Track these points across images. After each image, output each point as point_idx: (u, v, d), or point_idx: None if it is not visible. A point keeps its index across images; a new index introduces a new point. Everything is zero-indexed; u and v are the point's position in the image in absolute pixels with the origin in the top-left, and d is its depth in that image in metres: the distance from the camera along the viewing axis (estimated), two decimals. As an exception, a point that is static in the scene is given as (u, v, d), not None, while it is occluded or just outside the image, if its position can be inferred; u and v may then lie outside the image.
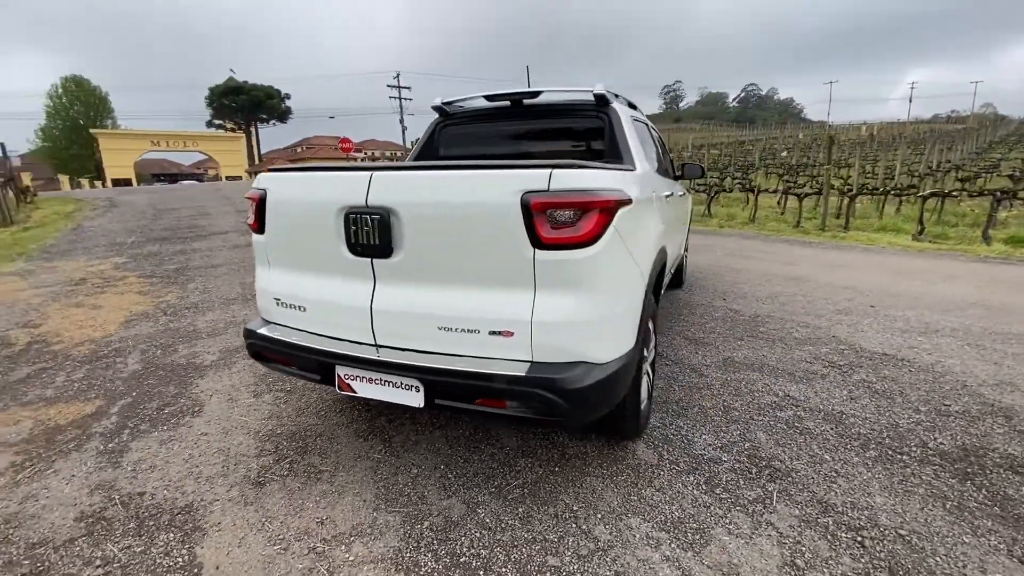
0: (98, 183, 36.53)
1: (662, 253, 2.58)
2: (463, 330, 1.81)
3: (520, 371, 1.72)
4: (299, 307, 2.13)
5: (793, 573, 1.73)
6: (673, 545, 1.87)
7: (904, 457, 2.35)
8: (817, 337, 3.89)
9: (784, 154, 31.72)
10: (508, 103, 3.08)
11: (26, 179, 30.26)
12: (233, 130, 53.21)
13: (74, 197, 21.17)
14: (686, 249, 5.62)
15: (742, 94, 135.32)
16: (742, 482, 2.21)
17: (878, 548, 1.82)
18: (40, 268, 7.18)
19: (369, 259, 1.90)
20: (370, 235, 1.84)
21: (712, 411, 2.81)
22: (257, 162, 53.24)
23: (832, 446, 2.45)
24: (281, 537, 1.97)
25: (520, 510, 2.08)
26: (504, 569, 1.78)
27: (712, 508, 2.05)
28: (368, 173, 1.86)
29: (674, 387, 3.11)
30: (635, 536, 1.92)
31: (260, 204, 2.14)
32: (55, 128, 36.96)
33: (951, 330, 3.95)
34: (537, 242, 1.68)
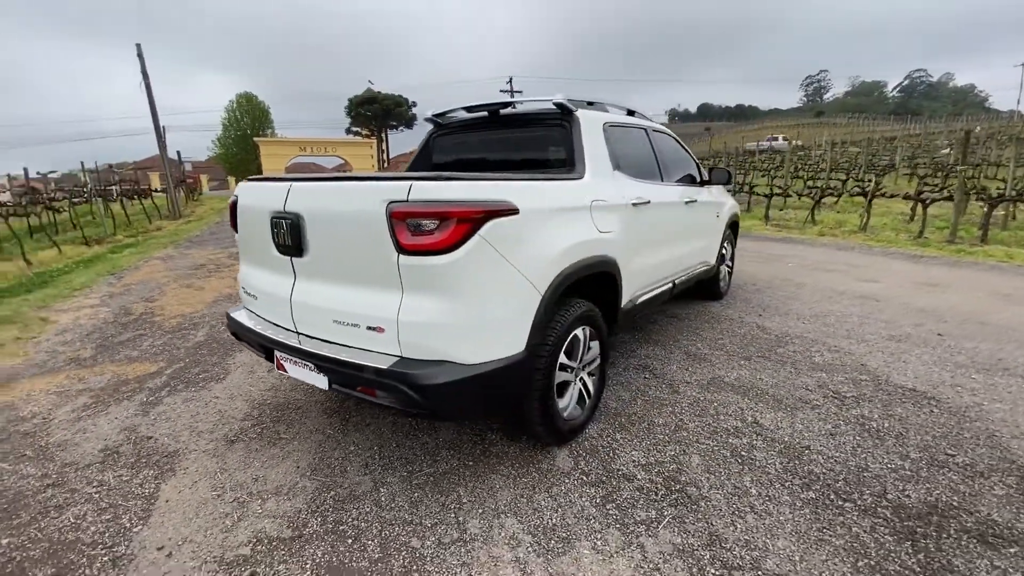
0: (258, 183, 42.94)
1: (601, 263, 2.54)
2: (349, 324, 2.03)
3: (384, 364, 1.90)
4: (254, 295, 2.52)
5: (631, 596, 1.69)
6: (530, 549, 1.91)
7: (847, 504, 2.08)
8: (840, 364, 3.44)
9: (946, 151, 26.88)
10: (486, 114, 3.23)
11: (204, 181, 36.82)
12: (367, 136, 59.07)
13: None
14: (731, 260, 5.23)
15: (905, 82, 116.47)
16: (641, 502, 2.14)
17: (740, 590, 1.69)
18: (179, 254, 8.85)
19: (289, 257, 2.21)
20: (286, 237, 2.15)
21: (660, 428, 2.70)
22: (385, 165, 58.54)
23: (767, 481, 2.24)
24: (222, 486, 2.37)
25: (416, 495, 2.25)
26: (370, 542, 1.98)
27: (592, 522, 2.03)
28: (289, 184, 2.17)
29: (638, 400, 3.02)
30: (501, 534, 1.99)
31: (233, 208, 2.57)
32: (229, 137, 44.43)
33: (1026, 370, 3.25)
34: (400, 247, 1.84)
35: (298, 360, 2.23)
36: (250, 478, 2.41)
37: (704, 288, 4.92)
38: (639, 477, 2.31)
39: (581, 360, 2.57)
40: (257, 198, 2.36)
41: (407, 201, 1.81)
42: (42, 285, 6.95)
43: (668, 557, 1.84)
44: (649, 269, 3.25)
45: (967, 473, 2.26)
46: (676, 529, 1.98)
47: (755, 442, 2.54)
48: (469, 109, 3.26)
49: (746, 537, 1.92)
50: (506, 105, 3.13)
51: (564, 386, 2.50)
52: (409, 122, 65.78)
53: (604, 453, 2.50)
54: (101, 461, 2.60)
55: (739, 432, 2.64)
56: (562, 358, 2.39)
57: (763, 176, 17.84)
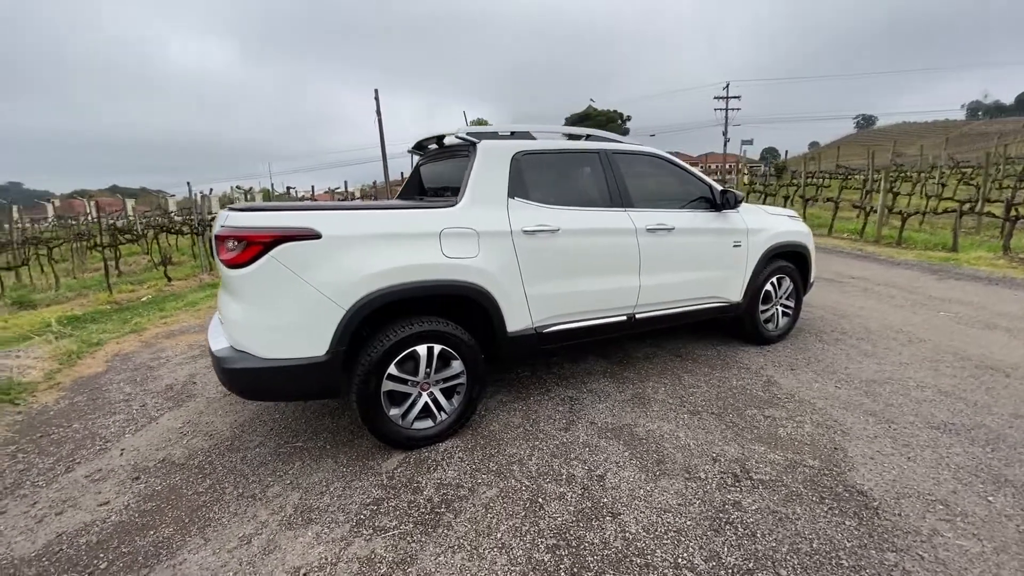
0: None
1: (452, 287, 2.67)
2: (218, 316, 2.72)
3: (215, 348, 2.52)
4: (225, 291, 3.45)
5: (292, 577, 1.93)
6: (280, 518, 2.28)
7: (569, 578, 1.85)
8: (804, 443, 2.69)
9: None
10: (436, 145, 3.59)
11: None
12: (580, 151, 61.85)
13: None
14: (789, 297, 4.29)
15: None
16: (397, 513, 2.27)
17: (364, 606, 1.77)
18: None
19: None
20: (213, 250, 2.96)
21: (502, 458, 2.67)
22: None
23: (524, 531, 2.11)
24: (188, 421, 3.33)
25: (269, 458, 2.81)
26: (207, 480, 2.62)
27: (341, 515, 2.28)
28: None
29: (520, 428, 2.98)
30: (279, 502, 2.40)
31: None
32: (463, 157, 52.38)
33: (1110, 513, 2.03)
34: (221, 261, 2.43)
35: None
36: (206, 421, 3.33)
37: (737, 329, 4.20)
38: (424, 493, 2.41)
39: (428, 376, 2.75)
40: (221, 220, 3.27)
41: (224, 226, 2.40)
42: (264, 271, 9.77)
43: (355, 560, 2.00)
44: (569, 298, 3.13)
45: (769, 601, 1.71)
46: (391, 542, 2.09)
47: (568, 493, 2.34)
48: (426, 140, 3.67)
49: (436, 570, 1.92)
50: (442, 137, 3.44)
51: (402, 397, 2.72)
52: (623, 134, 66.51)
53: (427, 465, 2.64)
54: (159, 392, 3.88)
55: (567, 481, 2.44)
56: (392, 369, 2.64)
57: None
